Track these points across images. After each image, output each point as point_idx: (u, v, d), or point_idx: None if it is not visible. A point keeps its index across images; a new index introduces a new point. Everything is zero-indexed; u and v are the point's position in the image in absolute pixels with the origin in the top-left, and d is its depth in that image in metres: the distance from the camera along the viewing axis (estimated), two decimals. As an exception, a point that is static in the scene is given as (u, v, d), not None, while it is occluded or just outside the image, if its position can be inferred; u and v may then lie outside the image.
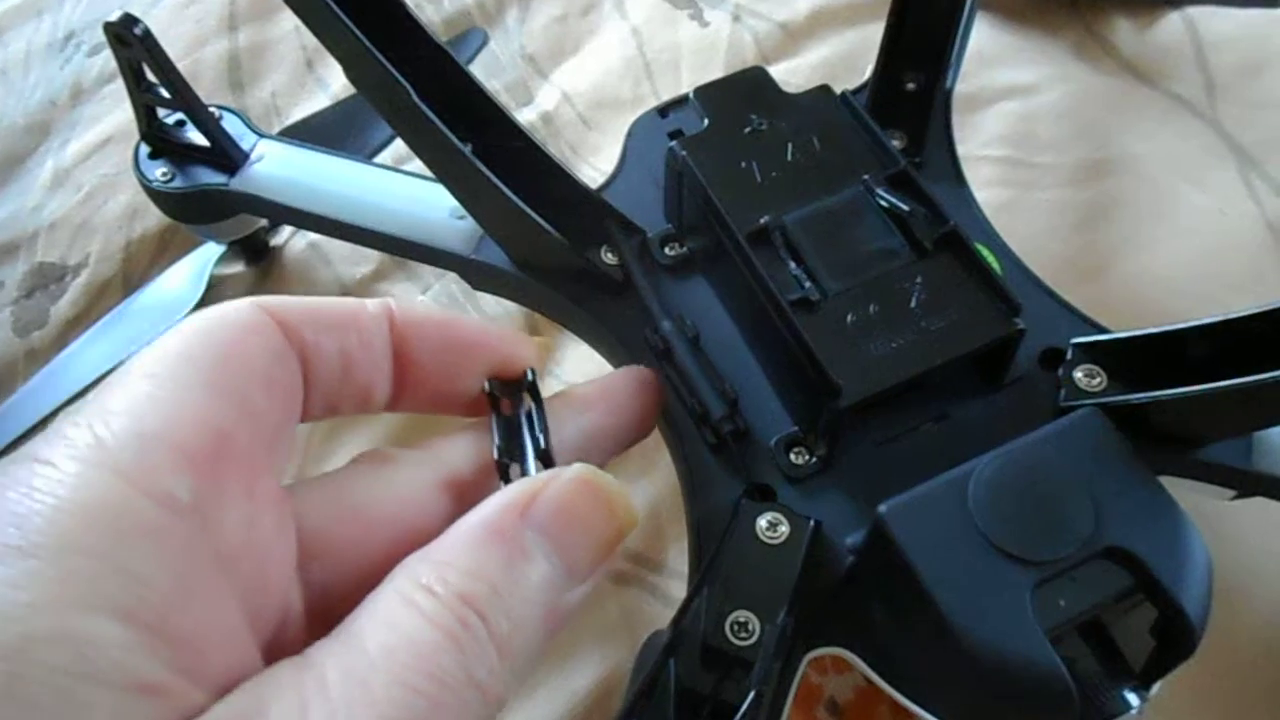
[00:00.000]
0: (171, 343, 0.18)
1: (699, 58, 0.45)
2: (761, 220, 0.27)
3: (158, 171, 0.37)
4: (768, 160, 0.29)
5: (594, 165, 0.42)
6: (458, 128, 0.28)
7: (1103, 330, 0.28)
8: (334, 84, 0.46)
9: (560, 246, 0.29)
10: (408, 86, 0.27)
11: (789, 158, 0.29)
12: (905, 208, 0.27)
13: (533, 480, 0.19)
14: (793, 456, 0.27)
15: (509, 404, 0.23)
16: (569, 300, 0.30)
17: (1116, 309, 0.31)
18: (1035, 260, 0.30)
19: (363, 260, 0.40)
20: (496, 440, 0.22)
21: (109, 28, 0.33)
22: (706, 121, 0.31)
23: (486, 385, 0.22)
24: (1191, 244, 0.37)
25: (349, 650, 0.16)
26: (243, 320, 0.19)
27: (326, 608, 0.18)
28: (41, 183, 0.44)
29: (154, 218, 0.41)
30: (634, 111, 0.34)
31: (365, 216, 0.34)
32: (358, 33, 0.27)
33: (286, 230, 0.42)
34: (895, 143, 0.31)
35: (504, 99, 0.44)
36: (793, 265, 0.27)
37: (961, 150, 0.33)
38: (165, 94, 0.35)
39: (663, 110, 0.33)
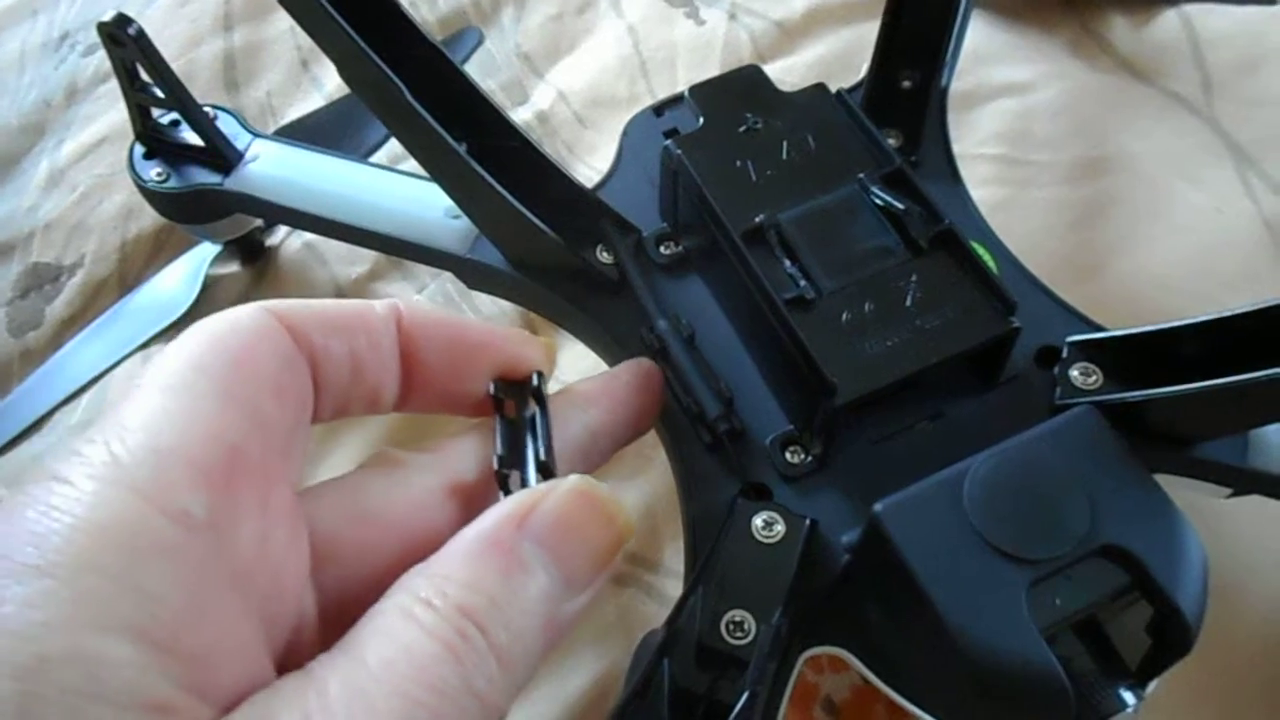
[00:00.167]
0: (183, 351, 0.18)
1: (695, 56, 0.44)
2: (756, 219, 0.27)
3: (152, 171, 0.37)
4: (763, 159, 0.29)
5: (589, 164, 0.42)
6: (452, 127, 0.28)
7: (1098, 328, 0.28)
8: (329, 83, 0.46)
9: (555, 246, 0.29)
10: (401, 86, 0.27)
11: (784, 156, 0.29)
12: (900, 206, 0.27)
13: (530, 492, 0.19)
14: (788, 455, 0.27)
15: (513, 406, 0.23)
16: (564, 299, 0.30)
17: (1112, 307, 0.31)
18: (1031, 258, 0.30)
19: (358, 260, 0.40)
20: (498, 448, 0.22)
21: (102, 27, 0.33)
22: (702, 120, 0.31)
23: (491, 387, 0.22)
24: (1188, 242, 0.37)
25: (350, 663, 0.16)
26: (252, 326, 0.19)
27: (340, 611, 0.18)
28: (36, 183, 0.44)
29: (149, 218, 0.41)
30: (630, 110, 0.34)
31: (360, 216, 0.34)
32: (352, 32, 0.27)
33: (282, 230, 0.42)
34: (891, 141, 0.31)
35: (499, 98, 0.44)
36: (788, 264, 0.27)
37: (957, 148, 0.33)
38: (159, 93, 0.35)
39: (658, 109, 0.33)
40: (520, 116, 0.44)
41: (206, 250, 0.41)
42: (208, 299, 0.40)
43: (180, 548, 0.16)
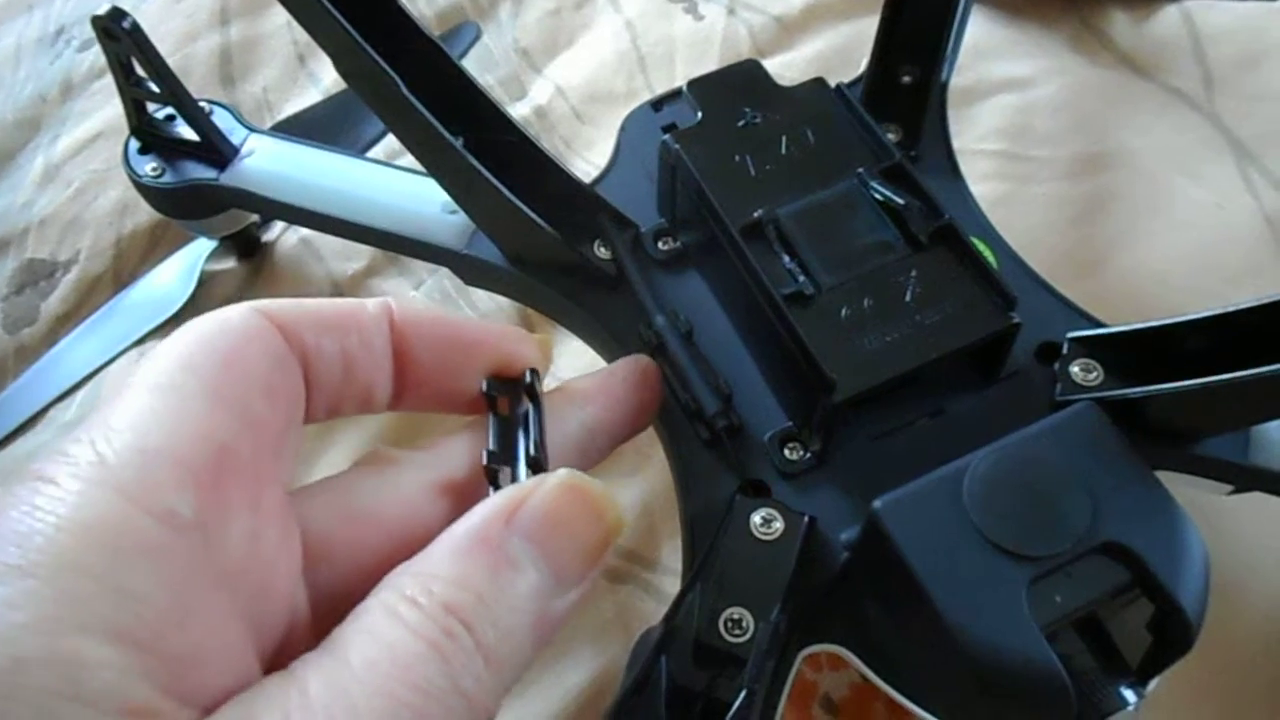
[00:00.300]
0: (172, 352, 0.18)
1: (693, 51, 0.44)
2: (755, 214, 0.27)
3: (148, 167, 0.37)
4: (761, 154, 0.29)
5: (587, 159, 0.42)
6: (449, 122, 0.28)
7: (1099, 324, 0.28)
8: (326, 78, 0.45)
9: (553, 241, 0.29)
10: (398, 80, 0.27)
11: (783, 151, 0.29)
12: (900, 201, 0.27)
13: (518, 487, 0.19)
14: (787, 452, 0.26)
15: (507, 403, 0.23)
16: (562, 295, 0.30)
17: (1113, 303, 0.31)
18: (1031, 254, 0.30)
19: (355, 255, 0.40)
20: (489, 444, 0.22)
21: (97, 21, 0.33)
22: (700, 115, 0.30)
23: (484, 385, 0.22)
24: (1188, 238, 0.37)
25: (333, 662, 0.16)
26: (243, 326, 0.19)
27: (333, 610, 0.18)
28: (31, 179, 0.44)
29: (145, 213, 0.41)
30: (628, 105, 0.34)
31: (357, 212, 0.34)
32: (348, 27, 0.27)
33: (278, 226, 0.41)
34: (890, 136, 0.31)
35: (497, 93, 0.44)
36: (786, 259, 0.27)
37: (957, 144, 0.33)
38: (155, 88, 0.35)
39: (656, 104, 0.33)
40: (518, 112, 0.44)
41: (202, 246, 0.41)
42: (203, 294, 0.40)
43: (166, 548, 0.16)
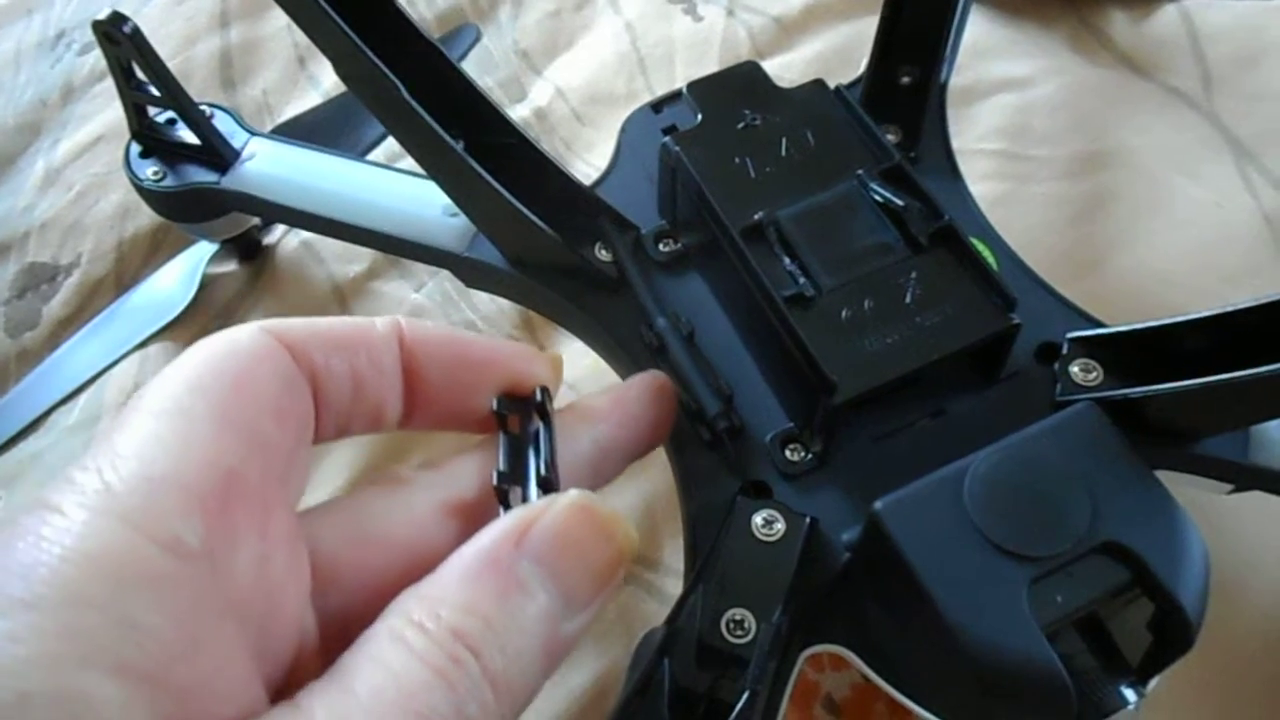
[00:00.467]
0: (179, 374, 0.18)
1: (693, 52, 0.44)
2: (755, 216, 0.27)
3: (149, 170, 0.37)
4: (761, 155, 0.29)
5: (588, 161, 0.42)
6: (450, 125, 0.28)
7: (1099, 324, 0.28)
8: (326, 81, 0.46)
9: (554, 243, 0.29)
10: (398, 83, 0.27)
11: (783, 153, 0.29)
12: (900, 202, 0.27)
13: (528, 508, 0.19)
14: (788, 453, 0.26)
15: (517, 421, 0.22)
16: (563, 298, 0.30)
17: (1112, 303, 0.31)
18: (1031, 254, 0.30)
19: (355, 258, 0.40)
20: (499, 464, 0.21)
21: (97, 26, 0.33)
22: (700, 117, 0.30)
23: (494, 403, 0.22)
24: (1188, 237, 0.37)
25: (338, 692, 0.16)
26: (251, 348, 0.18)
27: (342, 631, 0.18)
28: (33, 182, 0.44)
29: (146, 217, 0.41)
30: (628, 107, 0.34)
31: (358, 214, 0.34)
32: (348, 30, 0.27)
33: (279, 229, 0.41)
34: (890, 137, 0.31)
35: (497, 95, 0.44)
36: (787, 261, 0.27)
37: (957, 144, 0.33)
38: (155, 92, 0.35)
39: (656, 106, 0.33)
40: (518, 114, 0.44)
41: (203, 249, 0.41)
42: (205, 298, 0.40)
43: (172, 577, 0.15)
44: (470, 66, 0.45)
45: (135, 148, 0.37)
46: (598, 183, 0.32)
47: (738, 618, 0.23)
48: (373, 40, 0.27)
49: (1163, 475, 0.23)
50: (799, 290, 0.26)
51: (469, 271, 0.32)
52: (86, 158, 0.44)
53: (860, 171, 0.28)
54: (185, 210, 0.37)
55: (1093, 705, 0.22)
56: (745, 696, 0.21)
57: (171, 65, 0.35)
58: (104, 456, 0.16)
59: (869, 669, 0.24)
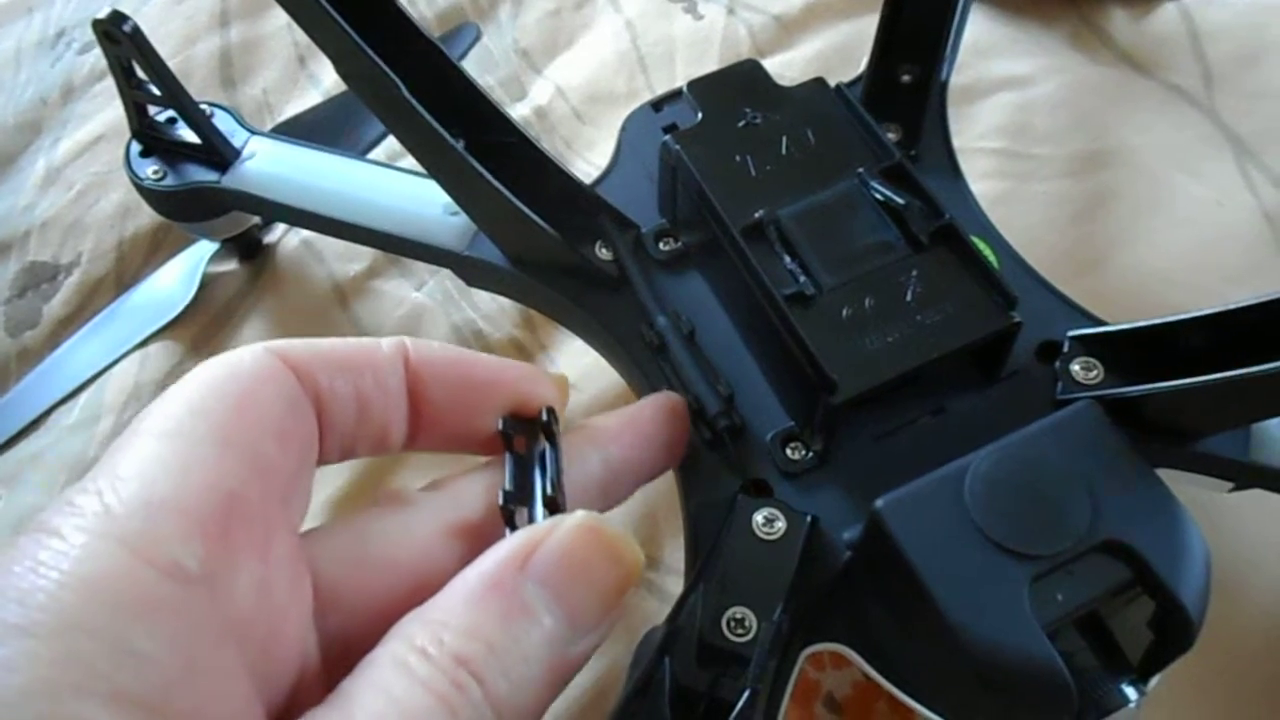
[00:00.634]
0: (182, 395, 0.18)
1: (693, 51, 0.44)
2: (756, 214, 0.27)
3: (149, 169, 0.37)
4: (762, 154, 0.29)
5: (588, 160, 0.42)
6: (450, 123, 0.28)
7: (1099, 323, 0.28)
8: (326, 80, 0.46)
9: (554, 242, 0.29)
10: (398, 82, 0.27)
11: (783, 151, 0.29)
12: (900, 201, 0.27)
13: (533, 530, 0.19)
14: (789, 452, 0.26)
15: (523, 442, 0.22)
16: (563, 296, 0.30)
17: (1113, 301, 0.31)
18: (1032, 253, 0.30)
19: (356, 257, 0.40)
20: (505, 484, 0.21)
21: (97, 25, 0.33)
22: (700, 115, 0.30)
23: (500, 424, 0.22)
24: (1188, 235, 0.37)
25: (340, 718, 0.16)
26: (254, 369, 0.18)
27: (345, 654, 0.18)
28: (33, 181, 0.44)
29: (146, 216, 0.41)
30: (628, 106, 0.34)
31: (358, 213, 0.34)
32: (348, 29, 0.27)
33: (280, 228, 0.41)
34: (890, 136, 0.31)
35: (497, 94, 0.44)
36: (787, 259, 0.27)
37: (957, 142, 0.33)
38: (155, 91, 0.35)
39: (656, 104, 0.33)
40: (518, 112, 0.44)
41: (204, 248, 0.41)
42: (205, 297, 0.40)
43: (171, 603, 0.15)
44: (470, 65, 0.45)
45: (135, 147, 0.37)
46: (598, 181, 0.32)
47: (738, 616, 0.23)
48: (373, 39, 0.27)
49: (1163, 473, 0.23)
50: (799, 289, 0.26)
51: (469, 270, 0.32)
52: (87, 157, 0.44)
53: (861, 170, 0.28)
54: (185, 209, 0.37)
55: (1093, 703, 0.22)
56: (746, 695, 0.21)
57: (172, 64, 0.35)
58: (105, 479, 0.16)
59: (870, 667, 0.24)
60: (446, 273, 0.36)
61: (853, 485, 0.26)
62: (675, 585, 0.32)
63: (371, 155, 0.42)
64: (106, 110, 0.45)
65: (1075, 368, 0.26)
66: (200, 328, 0.39)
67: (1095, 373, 0.26)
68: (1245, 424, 0.26)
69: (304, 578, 0.18)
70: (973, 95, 0.41)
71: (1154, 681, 0.23)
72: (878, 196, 0.27)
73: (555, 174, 0.30)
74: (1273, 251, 0.36)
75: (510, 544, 0.18)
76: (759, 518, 0.24)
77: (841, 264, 0.26)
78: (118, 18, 0.33)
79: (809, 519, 0.24)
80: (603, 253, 0.30)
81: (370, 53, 0.27)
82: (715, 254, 0.29)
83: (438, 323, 0.38)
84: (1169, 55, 0.41)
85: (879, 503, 0.23)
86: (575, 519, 0.19)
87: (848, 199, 0.28)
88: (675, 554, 0.33)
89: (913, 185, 0.27)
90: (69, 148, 0.44)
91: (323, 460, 0.20)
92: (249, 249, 0.41)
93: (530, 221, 0.29)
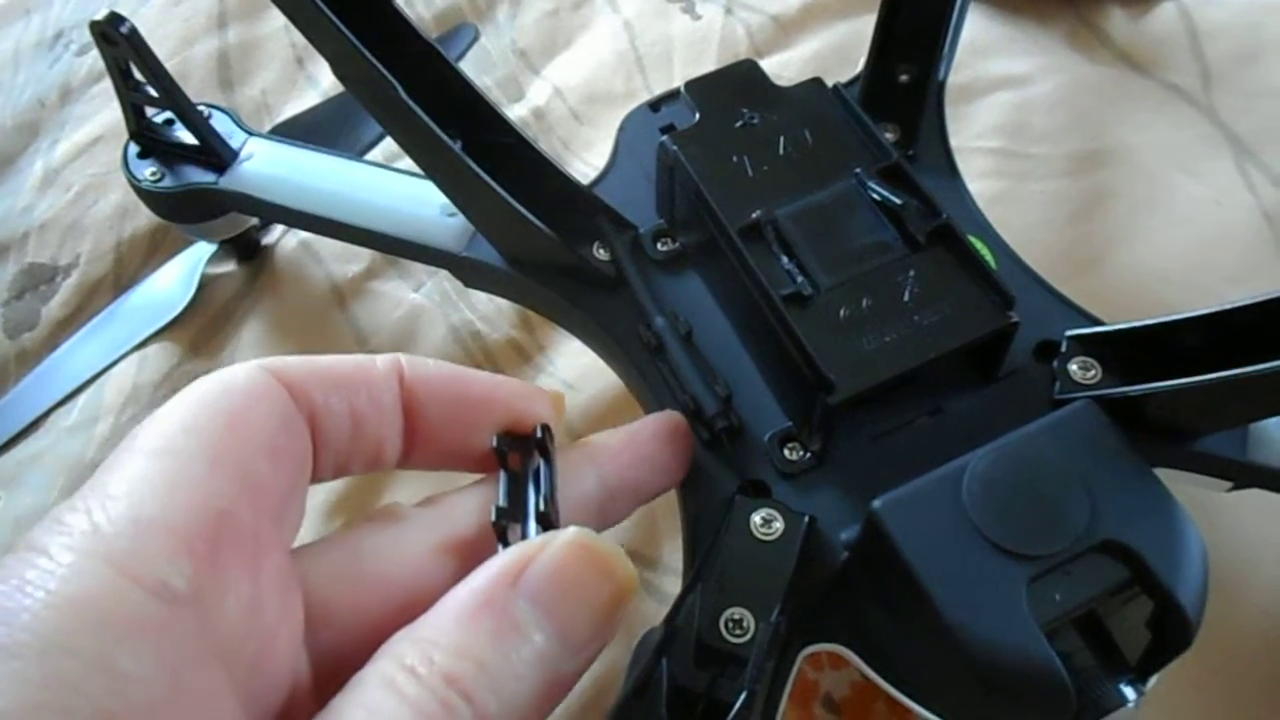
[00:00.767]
0: (174, 413, 0.18)
1: (691, 51, 0.44)
2: (753, 214, 0.27)
3: (147, 171, 0.37)
4: (759, 154, 0.29)
5: (586, 160, 0.42)
6: (447, 124, 0.28)
7: (1097, 322, 0.28)
8: (324, 81, 0.45)
9: (552, 243, 0.29)
10: (396, 83, 0.27)
11: (781, 151, 0.29)
12: (898, 201, 0.27)
13: (525, 546, 0.19)
14: (786, 452, 0.26)
15: (518, 459, 0.22)
16: (561, 297, 0.30)
17: (1111, 301, 0.31)
18: (1029, 252, 0.30)
19: (354, 258, 0.40)
20: (498, 500, 0.21)
21: (95, 26, 0.33)
22: (698, 115, 0.30)
23: (494, 441, 0.22)
24: (1187, 235, 0.37)
25: None
26: (248, 386, 0.18)
27: (336, 672, 0.18)
28: (31, 183, 0.44)
29: (145, 217, 0.41)
30: (626, 106, 0.34)
31: (356, 214, 0.34)
32: (345, 30, 0.27)
33: (278, 229, 0.41)
34: (888, 135, 0.31)
35: (495, 95, 0.44)
36: (785, 259, 0.27)
37: (955, 142, 0.33)
38: (153, 92, 0.35)
39: (654, 104, 0.33)
40: (516, 113, 0.44)
41: (202, 249, 0.41)
42: (204, 298, 0.40)
43: (157, 622, 0.15)
44: (468, 66, 0.45)
45: (133, 148, 0.37)
46: (596, 182, 0.32)
47: (736, 617, 0.23)
48: (370, 40, 0.27)
49: (1161, 473, 0.23)
50: (797, 289, 0.26)
51: (467, 271, 0.32)
52: (85, 158, 0.44)
53: (858, 170, 0.28)
54: (183, 211, 0.37)
55: (1092, 703, 0.22)
56: (744, 696, 0.21)
57: (169, 66, 0.35)
58: (94, 497, 0.16)
59: (868, 668, 0.24)
60: (444, 274, 0.36)
61: (850, 485, 0.26)
62: (673, 585, 0.32)
63: (369, 156, 0.42)
64: (104, 112, 0.45)
65: (1073, 367, 0.26)
66: (199, 329, 0.39)
67: (1093, 372, 0.26)
68: (1243, 423, 0.26)
69: (295, 595, 0.18)
70: (970, 95, 0.41)
71: (1152, 681, 0.23)
72: (875, 196, 0.27)
73: (553, 174, 0.30)
74: (1271, 251, 0.36)
75: (502, 560, 0.18)
76: (757, 518, 0.24)
77: (839, 264, 0.26)
78: (115, 19, 0.33)
79: (807, 519, 0.24)
80: (600, 253, 0.30)
81: (367, 54, 0.27)
82: (713, 254, 0.29)
83: (435, 324, 0.38)
84: (1167, 54, 0.41)
85: (877, 503, 0.23)
86: (567, 535, 0.19)
87: (845, 199, 0.28)
88: (673, 554, 0.33)
89: (910, 185, 0.27)
90: (67, 149, 0.44)
91: (317, 478, 0.20)
92: (247, 250, 0.41)
93: (528, 222, 0.29)
